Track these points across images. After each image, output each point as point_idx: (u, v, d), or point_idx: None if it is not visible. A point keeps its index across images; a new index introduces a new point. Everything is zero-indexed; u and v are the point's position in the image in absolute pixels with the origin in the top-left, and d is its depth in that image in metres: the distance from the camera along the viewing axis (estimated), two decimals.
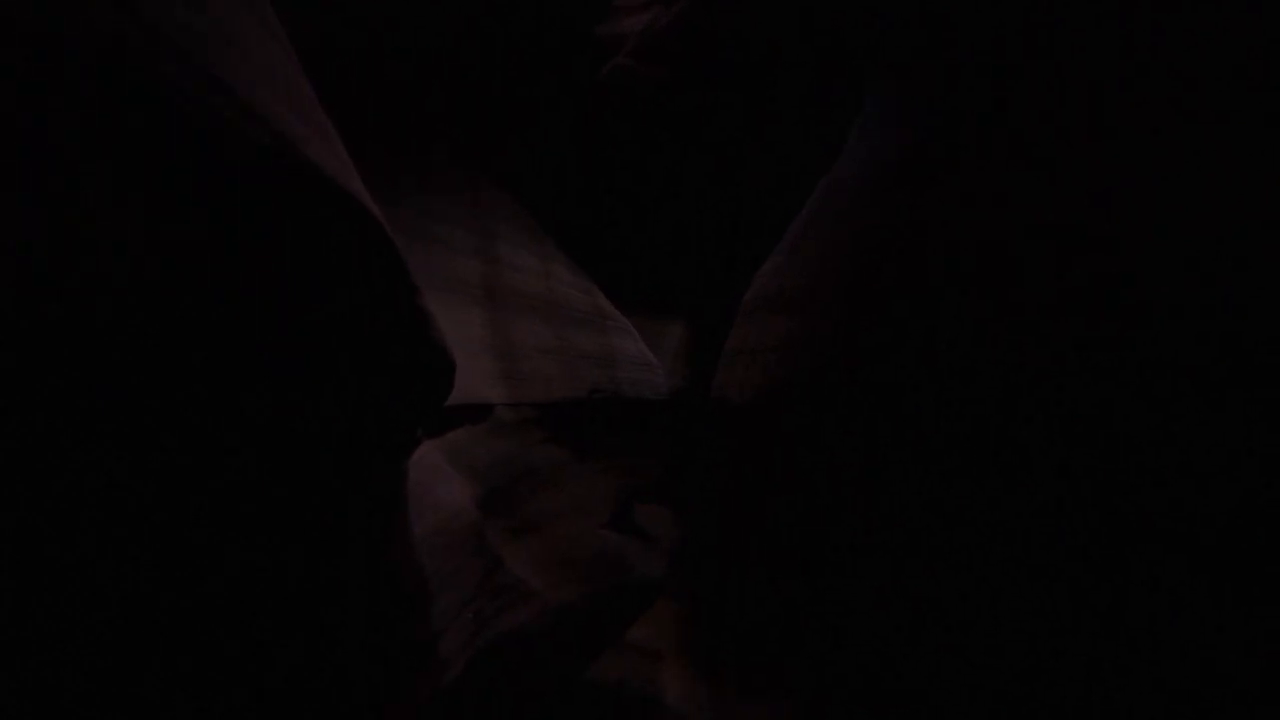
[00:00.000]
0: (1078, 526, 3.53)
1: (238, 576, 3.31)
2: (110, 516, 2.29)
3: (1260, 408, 2.90)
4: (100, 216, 1.82)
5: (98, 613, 2.36)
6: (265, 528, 3.55)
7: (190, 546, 2.84)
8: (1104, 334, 3.52)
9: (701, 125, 14.55)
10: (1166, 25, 3.85)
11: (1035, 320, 3.89)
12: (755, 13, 12.64)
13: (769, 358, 6.03)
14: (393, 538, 4.59)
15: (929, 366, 4.69)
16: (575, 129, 14.03)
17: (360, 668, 4.19)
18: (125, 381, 2.19)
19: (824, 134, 13.44)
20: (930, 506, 4.64)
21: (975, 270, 4.44)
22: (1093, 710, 3.40)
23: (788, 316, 5.93)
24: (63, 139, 1.65)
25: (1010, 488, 3.96)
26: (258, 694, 3.43)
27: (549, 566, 7.58)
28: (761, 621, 8.06)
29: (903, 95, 6.25)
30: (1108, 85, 4.07)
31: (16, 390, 1.88)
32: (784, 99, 13.81)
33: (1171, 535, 3.09)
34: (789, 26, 12.96)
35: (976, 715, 4.15)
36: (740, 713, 7.43)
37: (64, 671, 2.26)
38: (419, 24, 8.69)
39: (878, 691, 5.19)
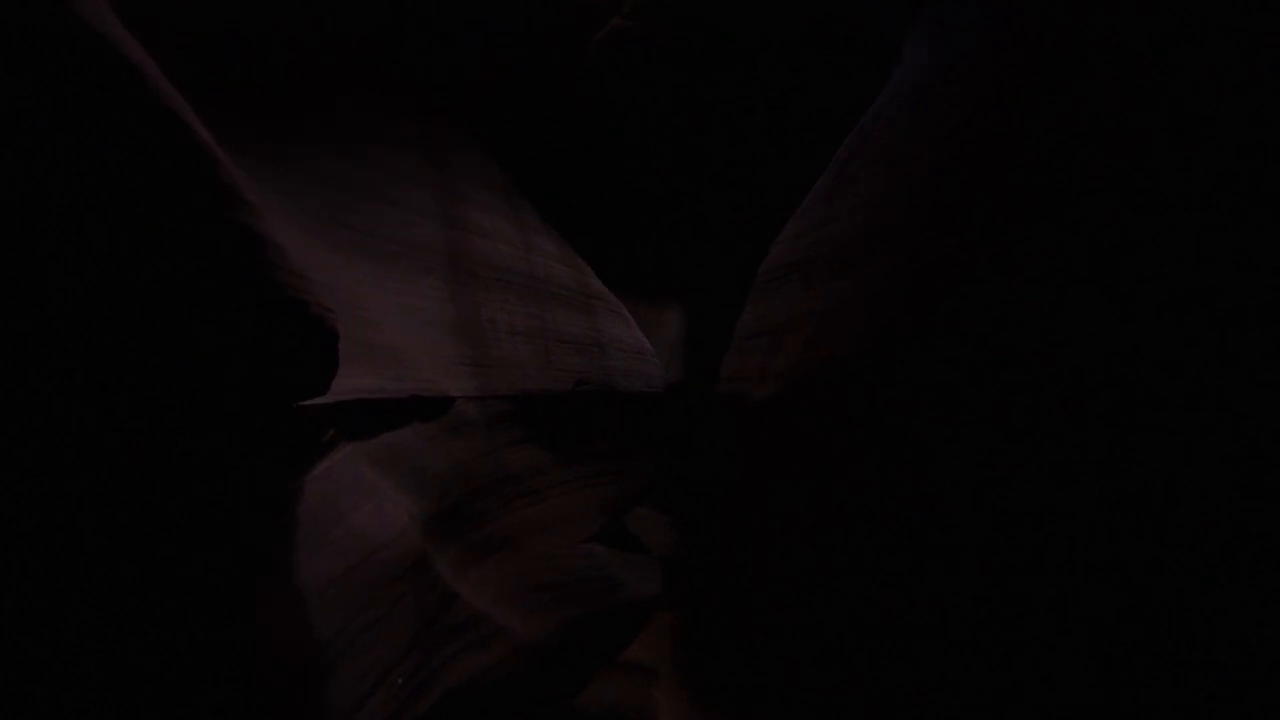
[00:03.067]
0: (1090, 526, 3.26)
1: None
2: None
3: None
4: None
5: None
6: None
7: None
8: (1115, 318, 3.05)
9: (702, 104, 13.19)
10: None
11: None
12: None
13: (799, 336, 4.55)
14: (269, 589, 3.06)
15: (1004, 340, 3.57)
16: (567, 104, 12.57)
17: None
18: None
19: (828, 115, 12.28)
20: (967, 505, 3.84)
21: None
22: (1095, 710, 3.21)
23: (825, 284, 4.44)
24: None
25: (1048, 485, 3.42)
26: None
27: (522, 594, 6.07)
28: (766, 637, 7.29)
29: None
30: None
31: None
32: (787, 81, 12.52)
33: (1175, 534, 2.91)
34: None
35: None
36: None
37: None
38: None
39: (883, 705, 4.72)
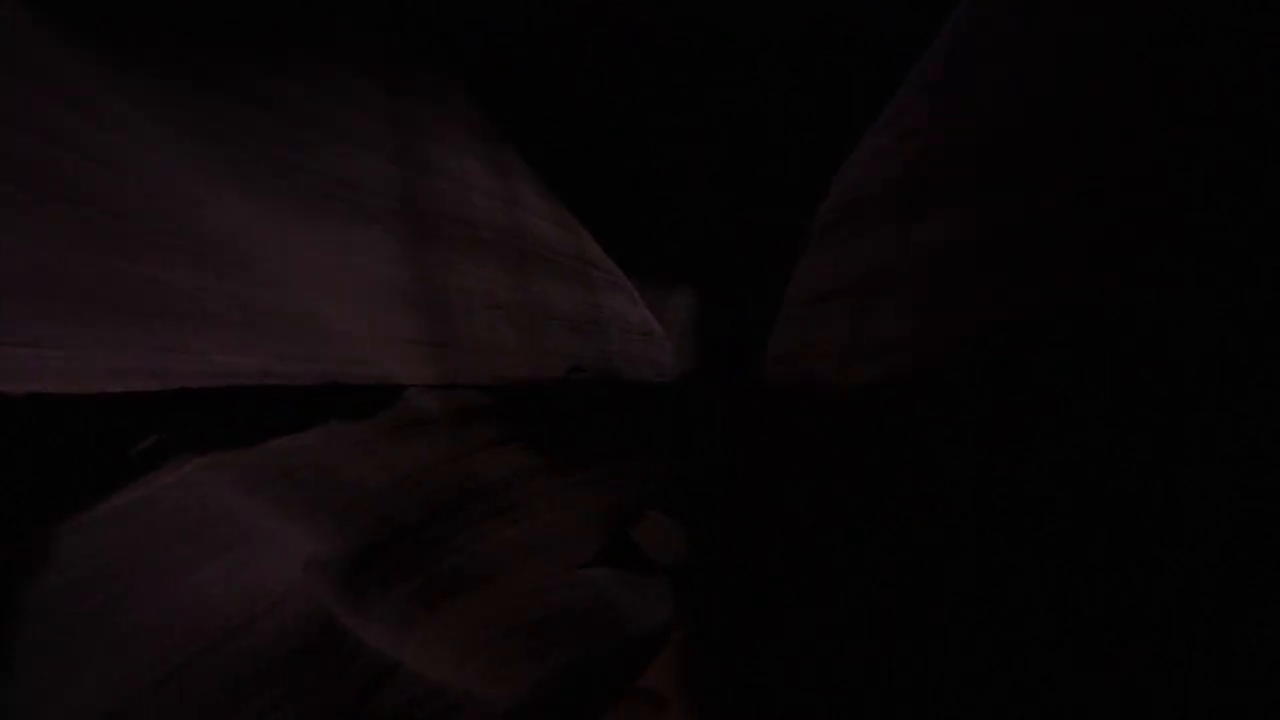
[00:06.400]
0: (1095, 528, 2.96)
1: None
2: None
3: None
4: None
5: None
6: None
7: None
8: None
9: (703, 104, 12.18)
10: None
11: None
12: None
13: (911, 292, 2.99)
14: None
15: None
16: (567, 104, 11.44)
17: None
18: None
19: (830, 113, 11.92)
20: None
21: None
22: (1095, 710, 2.98)
23: (943, 214, 2.86)
24: None
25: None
26: None
27: (496, 645, 4.51)
28: (770, 645, 6.76)
29: None
30: None
31: None
32: (787, 81, 11.80)
33: (1176, 534, 2.69)
34: None
35: None
36: None
37: None
38: None
39: (883, 708, 4.36)
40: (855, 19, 11.01)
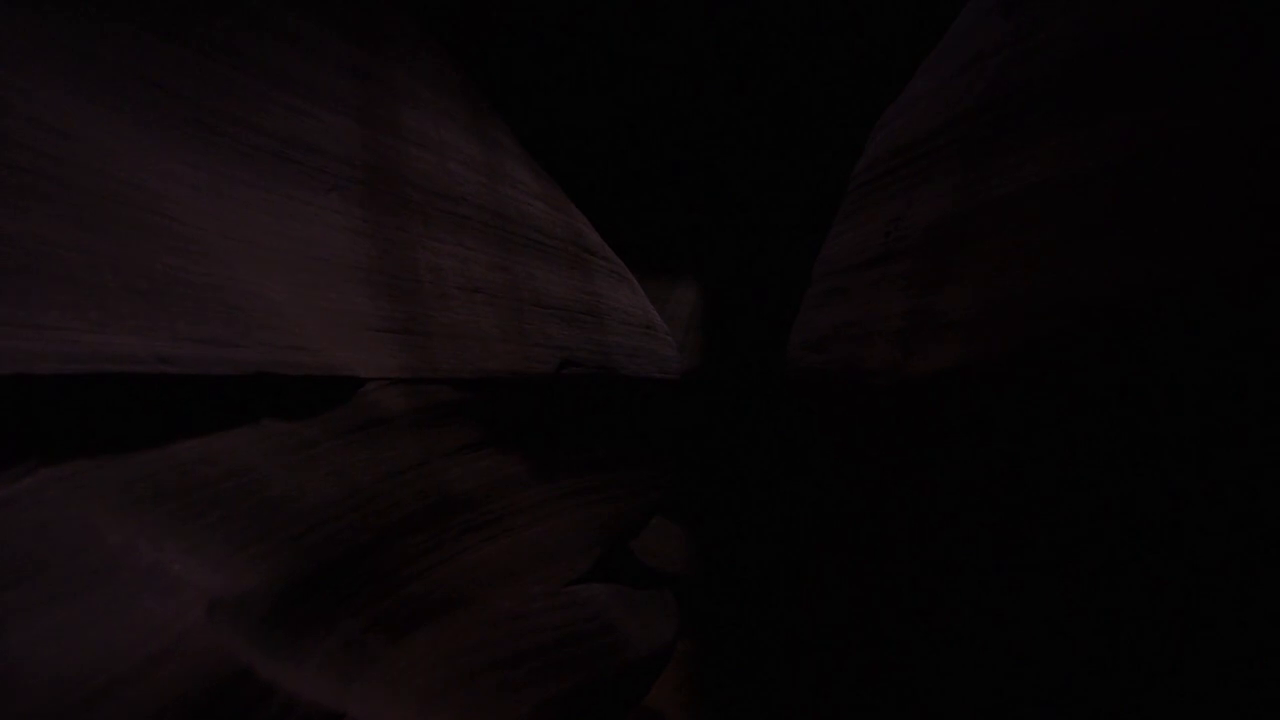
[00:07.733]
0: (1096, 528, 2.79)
1: None
2: None
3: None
4: None
5: None
6: None
7: None
8: None
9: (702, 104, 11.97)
10: None
11: None
12: None
13: (1002, 248, 2.41)
14: None
15: None
16: (561, 60, 11.10)
17: None
18: None
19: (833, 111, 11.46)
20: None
21: None
22: (1096, 710, 2.89)
23: (1040, 146, 2.25)
24: None
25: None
26: None
27: (473, 679, 3.86)
28: (799, 664, 6.17)
29: None
30: None
31: None
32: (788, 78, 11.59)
33: (1179, 535, 2.54)
34: None
35: None
36: None
37: None
38: None
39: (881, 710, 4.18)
40: (855, 19, 10.91)
